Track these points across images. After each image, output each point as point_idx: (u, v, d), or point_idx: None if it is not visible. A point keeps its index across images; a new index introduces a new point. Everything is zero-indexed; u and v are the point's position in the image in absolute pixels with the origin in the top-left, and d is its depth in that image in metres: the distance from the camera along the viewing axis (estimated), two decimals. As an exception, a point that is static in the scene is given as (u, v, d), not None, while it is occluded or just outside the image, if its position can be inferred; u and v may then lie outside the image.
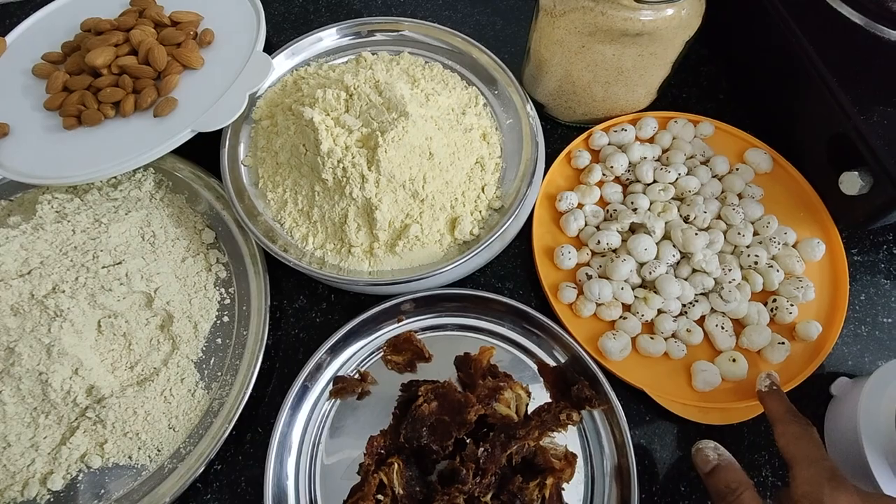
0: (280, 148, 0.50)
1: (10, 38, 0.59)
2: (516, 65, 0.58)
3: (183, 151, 0.51)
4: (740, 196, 0.55)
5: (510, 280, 0.53)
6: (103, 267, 0.46)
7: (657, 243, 0.51)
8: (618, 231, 0.52)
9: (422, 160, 0.47)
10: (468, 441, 0.42)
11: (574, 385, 0.46)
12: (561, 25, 0.49)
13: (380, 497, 0.41)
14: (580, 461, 0.45)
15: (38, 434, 0.44)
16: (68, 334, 0.44)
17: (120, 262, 0.47)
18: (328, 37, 0.57)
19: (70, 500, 0.43)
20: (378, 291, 0.50)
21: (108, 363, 0.46)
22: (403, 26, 0.57)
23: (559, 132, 0.60)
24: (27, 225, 0.46)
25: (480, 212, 0.50)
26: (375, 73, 0.49)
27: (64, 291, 0.44)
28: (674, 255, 0.50)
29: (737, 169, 0.56)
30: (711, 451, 0.42)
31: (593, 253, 0.52)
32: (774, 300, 0.50)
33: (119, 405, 0.44)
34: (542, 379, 0.48)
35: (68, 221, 0.47)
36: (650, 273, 0.50)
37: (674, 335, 0.49)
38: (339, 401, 0.47)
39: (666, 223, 0.52)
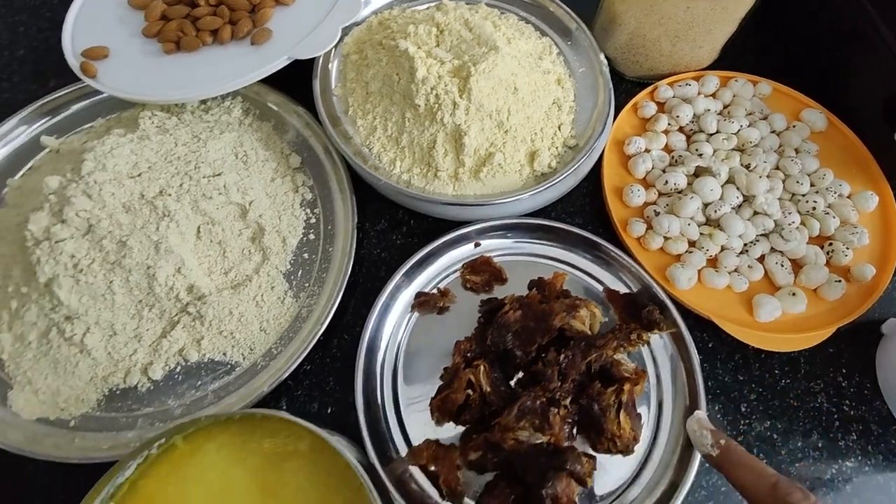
0: (371, 78, 0.52)
1: (106, -29, 0.61)
2: (585, 21, 0.61)
3: (269, 82, 0.54)
4: (797, 151, 0.58)
5: (579, 216, 0.56)
6: (204, 177, 0.49)
7: (721, 186, 0.54)
8: (684, 174, 0.54)
9: (507, 93, 0.50)
10: (551, 349, 0.45)
11: (644, 308, 0.49)
12: (641, -25, 0.52)
13: (469, 392, 0.43)
14: (649, 382, 0.47)
15: (141, 326, 0.46)
16: (174, 234, 0.46)
17: (219, 174, 0.50)
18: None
19: (169, 389, 0.46)
20: (458, 215, 0.52)
21: (205, 267, 0.48)
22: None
23: (623, 87, 0.63)
24: (133, 135, 0.49)
25: (557, 148, 0.53)
26: (464, 13, 0.52)
27: (170, 195, 0.47)
28: (737, 198, 0.53)
29: (793, 126, 0.59)
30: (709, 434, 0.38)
31: (660, 193, 0.55)
32: (830, 244, 0.53)
33: (216, 304, 0.46)
34: (610, 306, 0.51)
35: (170, 135, 0.50)
36: (715, 212, 0.52)
37: (736, 270, 0.52)
38: (419, 316, 0.50)
39: (729, 169, 0.55)
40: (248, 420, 0.39)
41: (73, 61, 0.54)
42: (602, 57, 0.57)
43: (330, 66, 0.56)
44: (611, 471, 0.44)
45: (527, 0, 0.61)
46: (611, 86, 0.56)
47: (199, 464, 0.39)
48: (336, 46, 0.56)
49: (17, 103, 0.55)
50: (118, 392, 0.45)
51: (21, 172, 0.53)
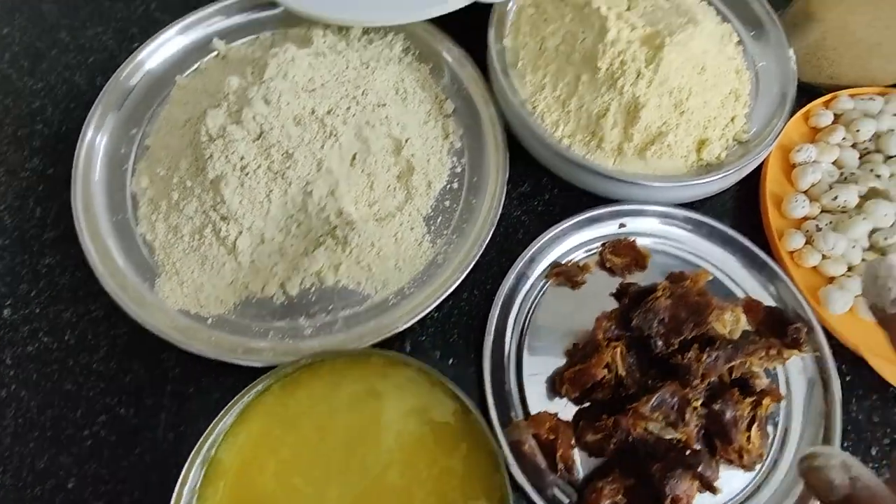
0: (550, 34, 0.51)
1: None
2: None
3: (434, 22, 0.53)
4: (979, 192, 0.53)
5: (728, 218, 0.53)
6: (370, 104, 0.49)
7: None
8: (857, 193, 0.51)
9: (693, 73, 0.48)
10: (694, 346, 0.43)
11: (790, 325, 0.46)
12: (866, -30, 0.48)
13: (606, 371, 0.42)
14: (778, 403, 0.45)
15: (286, 240, 0.47)
16: (335, 155, 0.46)
17: (383, 105, 0.49)
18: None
19: (302, 307, 0.46)
20: (612, 191, 0.50)
21: (353, 195, 0.48)
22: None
23: (793, 91, 0.59)
24: (309, 50, 0.49)
25: (727, 140, 0.51)
26: (662, -21, 0.50)
27: (338, 116, 0.47)
28: (910, 229, 0.50)
29: (982, 165, 0.54)
30: (839, 470, 0.26)
31: (823, 210, 0.52)
32: None
33: (361, 233, 0.46)
34: (747, 314, 0.48)
35: (342, 57, 0.50)
36: (885, 239, 0.49)
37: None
38: (550, 287, 0.49)
39: (907, 197, 0.51)
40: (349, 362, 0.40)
41: (257, -31, 0.54)
42: (791, 52, 0.53)
43: (505, 16, 0.54)
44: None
45: (714, -19, 0.57)
46: (796, 83, 0.52)
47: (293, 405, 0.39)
48: (512, -4, 0.54)
49: (189, 4, 0.56)
50: (254, 301, 0.46)
51: (188, 72, 0.54)
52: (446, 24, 0.54)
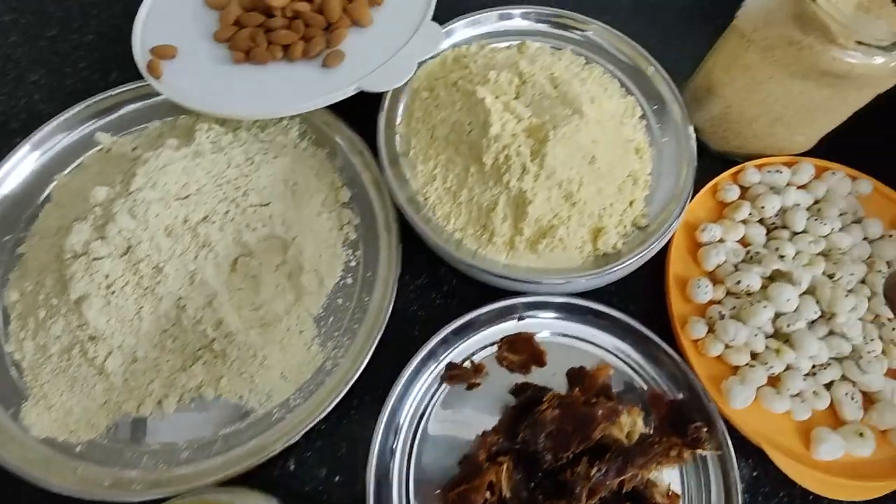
0: (440, 122, 0.49)
1: (185, -36, 0.59)
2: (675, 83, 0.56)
3: (331, 106, 0.51)
4: (888, 265, 0.52)
5: (633, 303, 0.51)
6: (251, 206, 0.47)
7: (799, 296, 0.49)
8: (759, 276, 0.50)
9: (583, 163, 0.46)
10: (583, 459, 0.41)
11: (692, 423, 0.44)
12: (754, 51, 0.47)
13: (488, 495, 0.40)
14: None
15: (162, 356, 0.44)
16: (210, 266, 0.44)
17: (266, 204, 0.47)
18: (492, 19, 0.57)
19: (179, 427, 0.44)
20: (507, 286, 0.49)
21: (235, 301, 0.46)
22: (590, 27, 0.57)
23: (703, 160, 0.57)
24: (188, 150, 0.47)
25: (625, 226, 0.49)
26: (552, 65, 0.48)
27: (214, 223, 0.45)
28: (815, 312, 0.48)
29: (890, 236, 0.53)
30: None
31: (728, 292, 0.50)
32: (912, 381, 0.47)
33: (242, 344, 0.44)
34: (651, 409, 0.47)
35: (224, 154, 0.48)
36: (788, 325, 0.48)
37: (799, 394, 0.47)
38: (447, 387, 0.47)
39: (811, 277, 0.49)
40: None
41: (140, 58, 0.52)
42: (691, 130, 0.52)
43: (399, 100, 0.52)
44: None
45: (620, 57, 0.56)
46: (695, 164, 0.51)
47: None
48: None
49: (77, 93, 0.54)
50: (129, 422, 0.44)
51: (70, 168, 0.52)
52: (344, 106, 0.52)
